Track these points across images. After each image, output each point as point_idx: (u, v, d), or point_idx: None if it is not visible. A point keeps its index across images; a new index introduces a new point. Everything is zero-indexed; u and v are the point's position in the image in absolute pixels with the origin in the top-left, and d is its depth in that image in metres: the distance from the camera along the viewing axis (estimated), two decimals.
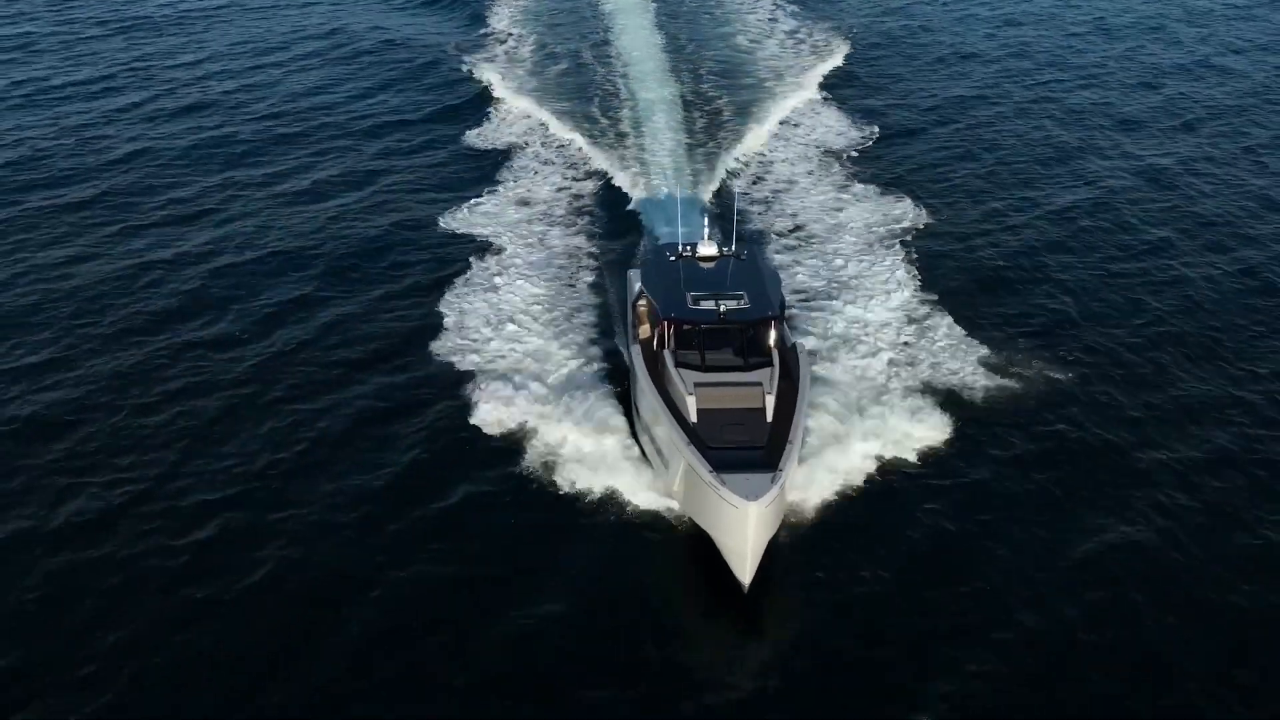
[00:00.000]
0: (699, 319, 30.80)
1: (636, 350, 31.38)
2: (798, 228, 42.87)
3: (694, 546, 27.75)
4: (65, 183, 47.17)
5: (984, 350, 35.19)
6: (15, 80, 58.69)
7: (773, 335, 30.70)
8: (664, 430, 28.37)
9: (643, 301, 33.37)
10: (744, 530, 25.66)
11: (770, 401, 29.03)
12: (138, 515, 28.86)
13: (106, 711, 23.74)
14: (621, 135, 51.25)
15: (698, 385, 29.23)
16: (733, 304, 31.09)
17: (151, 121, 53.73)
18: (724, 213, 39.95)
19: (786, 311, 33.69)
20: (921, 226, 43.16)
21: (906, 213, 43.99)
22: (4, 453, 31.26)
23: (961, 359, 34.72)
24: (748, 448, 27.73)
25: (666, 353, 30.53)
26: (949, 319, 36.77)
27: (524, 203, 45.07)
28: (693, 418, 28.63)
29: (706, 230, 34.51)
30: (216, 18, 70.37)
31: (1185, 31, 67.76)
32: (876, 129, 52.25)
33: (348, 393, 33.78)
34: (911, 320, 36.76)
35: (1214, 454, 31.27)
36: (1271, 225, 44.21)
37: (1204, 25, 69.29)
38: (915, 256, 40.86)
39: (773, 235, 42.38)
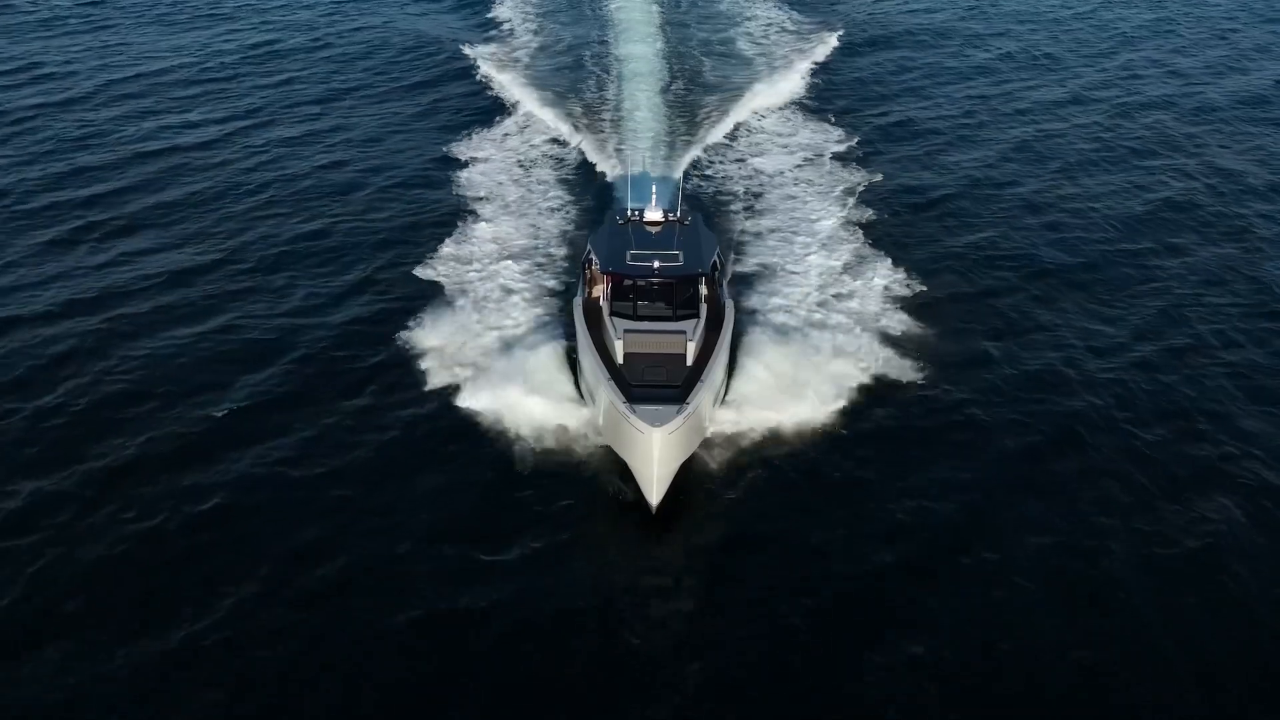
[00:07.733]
0: (634, 274, 33.83)
1: (578, 304, 34.57)
2: (748, 194, 46.52)
3: (613, 471, 30.76)
4: (87, 183, 48.23)
5: (923, 303, 38.36)
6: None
7: (703, 291, 33.76)
8: (591, 369, 31.41)
9: (597, 263, 36.37)
10: (650, 455, 28.68)
11: (692, 349, 32.03)
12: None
13: None
14: (600, 121, 54.29)
15: (626, 332, 32.30)
16: (667, 262, 34.07)
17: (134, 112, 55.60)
18: (672, 183, 43.14)
19: (725, 270, 36.57)
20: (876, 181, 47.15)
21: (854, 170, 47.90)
22: None
23: (901, 312, 37.80)
24: (664, 386, 30.75)
25: (604, 303, 33.62)
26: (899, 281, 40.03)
27: (499, 183, 47.89)
28: (619, 360, 31.67)
29: (654, 198, 37.54)
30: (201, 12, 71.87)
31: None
32: (846, 119, 55.44)
33: (310, 353, 36.42)
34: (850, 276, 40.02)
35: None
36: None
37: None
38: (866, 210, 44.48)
39: (722, 200, 45.82)
